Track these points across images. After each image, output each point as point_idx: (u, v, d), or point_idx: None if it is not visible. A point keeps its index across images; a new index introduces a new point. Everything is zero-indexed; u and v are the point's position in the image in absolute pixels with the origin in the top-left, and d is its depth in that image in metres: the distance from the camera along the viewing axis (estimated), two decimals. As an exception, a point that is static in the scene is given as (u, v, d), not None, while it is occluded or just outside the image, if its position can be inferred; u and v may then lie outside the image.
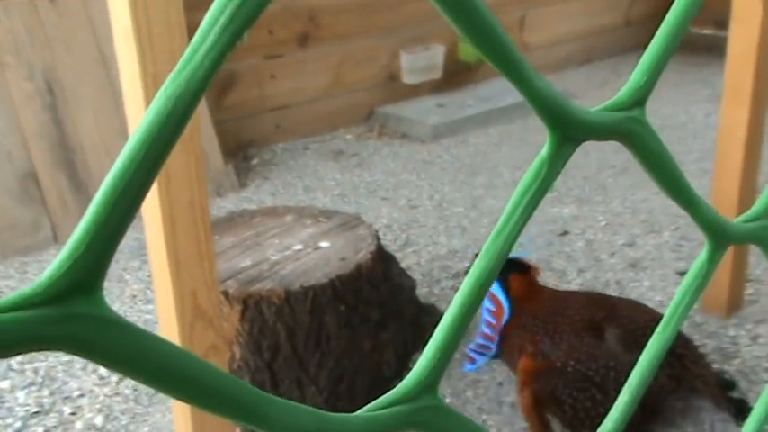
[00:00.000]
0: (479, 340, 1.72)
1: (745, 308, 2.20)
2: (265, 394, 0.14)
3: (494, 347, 1.68)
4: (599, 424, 1.32)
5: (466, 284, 0.17)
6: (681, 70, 4.73)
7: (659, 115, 4.03)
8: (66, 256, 0.12)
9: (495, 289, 1.68)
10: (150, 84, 1.13)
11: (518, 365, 1.63)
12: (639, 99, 0.19)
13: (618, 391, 1.27)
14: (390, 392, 0.17)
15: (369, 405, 0.17)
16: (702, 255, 0.22)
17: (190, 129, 1.18)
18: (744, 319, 2.18)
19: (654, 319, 1.57)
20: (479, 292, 0.17)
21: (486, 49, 0.16)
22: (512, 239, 0.17)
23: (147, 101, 1.13)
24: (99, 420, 1.88)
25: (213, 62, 0.13)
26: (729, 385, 1.69)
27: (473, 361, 1.76)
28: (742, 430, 0.38)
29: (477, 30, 0.16)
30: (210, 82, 0.14)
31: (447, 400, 1.89)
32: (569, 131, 0.18)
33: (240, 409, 0.14)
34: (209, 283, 1.26)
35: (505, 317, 1.64)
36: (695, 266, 0.22)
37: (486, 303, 1.70)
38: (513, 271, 1.67)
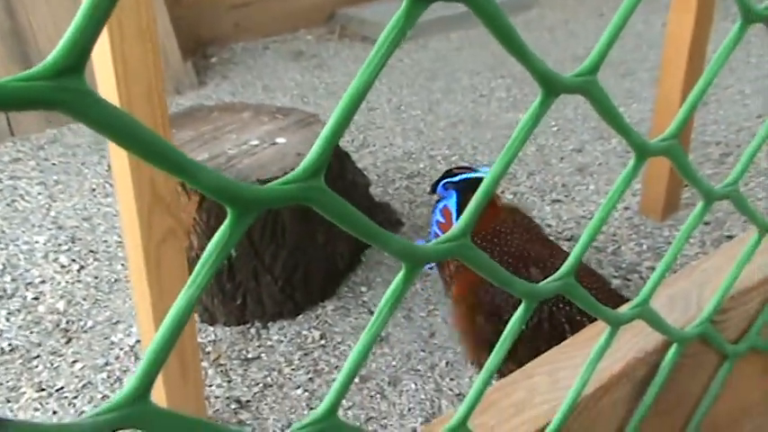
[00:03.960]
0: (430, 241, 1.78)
1: (681, 210, 2.32)
2: (195, 161, 0.21)
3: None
4: (537, 329, 1.42)
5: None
6: (643, -20, 4.74)
7: (618, 25, 4.07)
8: (62, 50, 0.18)
9: (451, 202, 1.72)
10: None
11: (452, 277, 1.65)
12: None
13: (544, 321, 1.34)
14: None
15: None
16: (536, 101, 0.28)
17: (146, 18, 1.21)
18: (679, 221, 2.30)
19: (590, 284, 1.59)
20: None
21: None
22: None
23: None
24: (61, 305, 1.96)
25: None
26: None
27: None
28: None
29: None
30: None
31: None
32: None
33: (177, 167, 0.21)
34: (167, 171, 1.32)
35: None
36: (530, 111, 0.28)
37: (437, 215, 1.77)
38: (475, 190, 1.69)
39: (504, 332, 0.33)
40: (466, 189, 1.71)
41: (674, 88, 2.05)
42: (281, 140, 1.91)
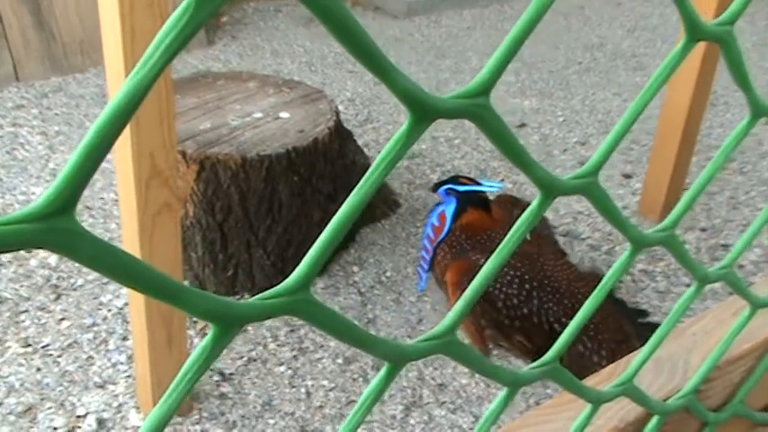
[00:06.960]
0: (421, 253, 1.81)
1: (679, 215, 2.32)
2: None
3: (428, 261, 1.77)
4: (527, 320, 1.43)
5: (105, 113, 0.18)
6: (664, -29, 4.68)
7: (633, 14, 4.03)
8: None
9: (449, 209, 1.75)
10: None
11: (445, 273, 1.70)
12: None
13: (536, 292, 1.36)
14: (22, 209, 0.18)
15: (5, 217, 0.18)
16: (405, 126, 0.27)
17: (157, -9, 1.19)
18: (678, 225, 2.30)
19: (571, 280, 1.64)
20: (120, 119, 0.18)
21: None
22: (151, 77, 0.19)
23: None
24: (53, 260, 1.96)
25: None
26: (643, 314, 1.79)
27: (420, 278, 1.87)
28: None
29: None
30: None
31: (388, 274, 2.00)
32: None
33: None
34: (168, 144, 1.31)
35: (443, 235, 1.73)
36: (396, 136, 0.27)
37: (432, 219, 1.78)
38: (475, 205, 1.73)
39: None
40: (466, 201, 1.73)
41: (682, 95, 2.04)
42: (284, 115, 1.89)
